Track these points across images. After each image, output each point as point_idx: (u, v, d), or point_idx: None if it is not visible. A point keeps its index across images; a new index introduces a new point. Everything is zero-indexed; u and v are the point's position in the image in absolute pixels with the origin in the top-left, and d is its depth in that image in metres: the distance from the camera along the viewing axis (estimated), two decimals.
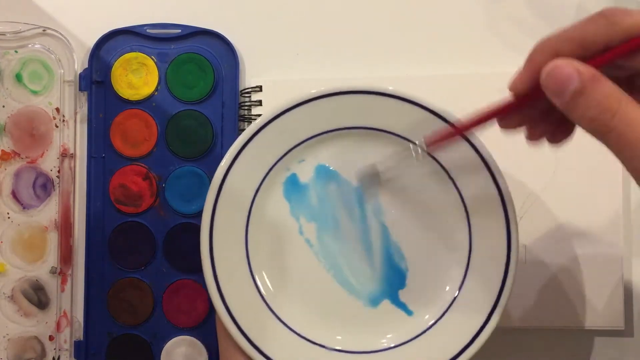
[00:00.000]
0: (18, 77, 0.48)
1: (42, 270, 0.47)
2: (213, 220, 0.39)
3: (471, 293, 0.39)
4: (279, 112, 0.39)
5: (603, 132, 0.26)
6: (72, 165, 0.48)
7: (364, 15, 0.47)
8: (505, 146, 0.44)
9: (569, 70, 0.27)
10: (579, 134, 0.43)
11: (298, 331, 0.40)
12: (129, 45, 0.47)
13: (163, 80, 0.47)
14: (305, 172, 0.41)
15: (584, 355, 0.45)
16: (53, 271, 0.47)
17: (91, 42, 0.47)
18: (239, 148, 0.39)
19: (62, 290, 0.47)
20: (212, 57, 0.47)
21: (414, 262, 0.40)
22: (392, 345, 0.39)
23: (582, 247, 0.43)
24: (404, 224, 0.40)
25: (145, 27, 0.47)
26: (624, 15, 0.26)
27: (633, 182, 0.44)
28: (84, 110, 0.48)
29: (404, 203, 0.40)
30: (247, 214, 0.40)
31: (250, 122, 0.47)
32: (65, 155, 0.47)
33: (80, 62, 0.48)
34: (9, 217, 0.47)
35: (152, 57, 0.47)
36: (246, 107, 0.47)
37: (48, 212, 0.47)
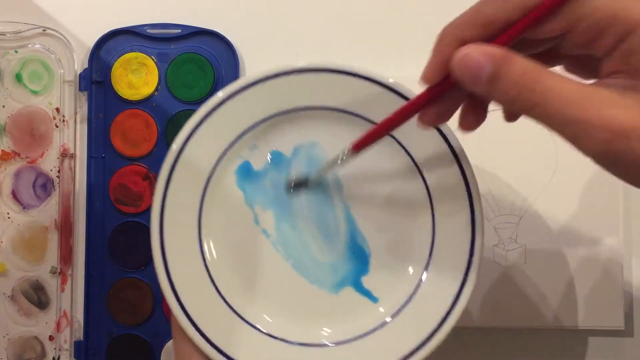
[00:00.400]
0: (18, 77, 0.48)
1: (42, 270, 0.47)
2: (163, 215, 0.36)
3: (437, 274, 0.37)
4: (224, 97, 0.37)
5: (528, 109, 0.26)
6: (72, 165, 0.48)
7: (364, 16, 0.47)
8: (506, 146, 0.44)
9: (478, 56, 0.26)
10: None
11: (261, 328, 0.38)
12: (129, 45, 0.47)
13: (163, 80, 0.47)
14: (259, 159, 0.38)
15: (584, 355, 0.45)
16: (53, 271, 0.47)
17: (91, 42, 0.47)
18: (184, 139, 0.37)
19: (62, 290, 0.47)
20: (212, 57, 0.47)
21: (376, 247, 0.38)
22: (359, 334, 0.37)
23: (582, 247, 0.43)
24: (366, 209, 0.38)
25: (145, 27, 0.47)
26: None
27: None
28: (84, 110, 0.48)
29: (365, 187, 0.38)
30: (199, 206, 0.38)
31: None
32: (65, 155, 0.47)
33: (80, 62, 0.48)
34: (9, 217, 0.47)
35: (152, 57, 0.47)
36: None
37: (48, 212, 0.47)
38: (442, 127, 0.36)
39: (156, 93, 0.47)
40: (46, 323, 0.47)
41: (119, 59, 0.47)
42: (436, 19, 0.46)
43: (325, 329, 0.38)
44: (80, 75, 0.47)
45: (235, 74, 0.46)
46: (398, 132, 0.36)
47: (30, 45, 0.48)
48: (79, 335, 0.47)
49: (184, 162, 0.37)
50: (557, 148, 0.44)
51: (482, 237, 0.36)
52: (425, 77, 0.29)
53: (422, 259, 0.37)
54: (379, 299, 0.38)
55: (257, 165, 0.38)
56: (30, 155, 0.48)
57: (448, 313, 0.36)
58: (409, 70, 0.46)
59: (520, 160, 0.44)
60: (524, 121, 0.44)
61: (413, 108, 0.31)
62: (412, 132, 0.35)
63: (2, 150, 0.48)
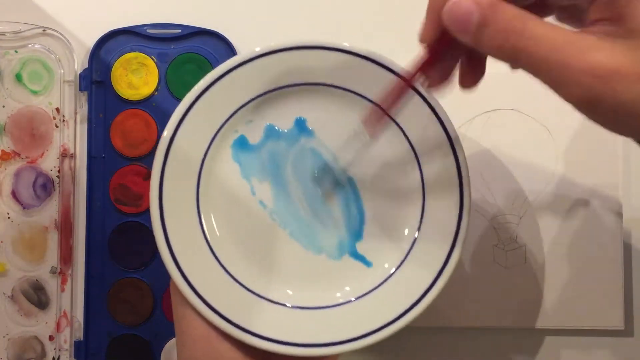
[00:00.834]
0: (18, 77, 0.48)
1: (42, 270, 0.47)
2: (162, 189, 0.37)
3: (429, 236, 0.38)
4: (221, 73, 0.38)
5: (515, 56, 0.26)
6: (72, 165, 0.48)
7: (365, 16, 0.47)
8: (506, 146, 0.44)
9: (467, 4, 0.26)
10: (579, 134, 0.43)
11: (253, 289, 0.39)
12: (129, 45, 0.47)
13: (163, 80, 0.47)
14: (254, 133, 0.40)
15: (584, 355, 0.45)
16: (53, 271, 0.47)
17: (91, 42, 0.47)
18: (181, 114, 0.38)
19: (62, 290, 0.47)
20: (212, 57, 0.47)
21: (371, 213, 0.39)
22: (352, 298, 0.38)
23: (582, 247, 0.43)
24: (363, 176, 0.39)
25: (145, 27, 0.47)
26: None
27: (633, 182, 0.44)
28: (84, 110, 0.48)
29: (363, 164, 0.39)
30: (196, 179, 0.39)
31: None
32: (65, 155, 0.47)
33: (80, 62, 0.48)
34: (9, 217, 0.47)
35: (152, 57, 0.47)
36: None
37: (48, 212, 0.47)
38: (440, 114, 0.37)
39: (156, 93, 0.47)
40: (46, 323, 0.47)
41: (119, 59, 0.47)
42: None
43: (315, 293, 0.39)
44: (80, 75, 0.48)
45: None
46: (398, 115, 0.38)
47: (30, 45, 0.48)
48: (79, 335, 0.47)
49: (180, 139, 0.38)
50: (557, 148, 0.44)
51: (468, 217, 0.37)
52: (422, 37, 0.30)
53: (415, 222, 0.39)
54: (373, 263, 0.39)
55: (253, 138, 0.40)
56: (30, 155, 0.48)
57: (440, 272, 0.37)
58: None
59: (520, 160, 0.44)
60: (524, 121, 0.44)
61: (415, 73, 0.31)
62: (411, 116, 0.37)
63: (2, 150, 0.48)
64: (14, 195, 0.48)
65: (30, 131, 0.48)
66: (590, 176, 0.43)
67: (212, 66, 0.46)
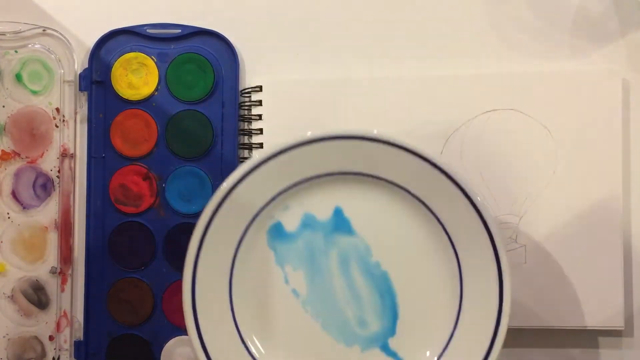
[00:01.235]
0: (18, 77, 0.48)
1: (42, 270, 0.47)
2: (195, 275, 0.38)
3: (463, 339, 0.38)
4: (261, 160, 0.38)
5: None
6: (72, 165, 0.48)
7: (365, 16, 0.47)
8: (506, 146, 0.44)
9: None
10: (579, 134, 0.43)
11: None
12: (129, 45, 0.47)
13: (163, 80, 0.47)
14: (291, 220, 0.40)
15: (584, 355, 0.45)
16: (53, 271, 0.47)
17: (91, 42, 0.47)
18: (220, 200, 0.38)
19: (62, 290, 0.47)
20: (212, 57, 0.47)
21: (405, 310, 0.39)
22: None
23: (582, 247, 0.43)
24: (398, 271, 0.40)
25: (145, 27, 0.47)
26: None
27: (633, 182, 0.44)
28: (84, 110, 0.48)
29: (396, 250, 0.40)
30: (230, 264, 0.39)
31: (250, 122, 0.47)
32: (65, 155, 0.47)
33: (80, 62, 0.48)
34: (9, 217, 0.47)
35: (152, 57, 0.47)
36: (246, 107, 0.47)
37: (48, 212, 0.47)
38: (476, 201, 0.37)
39: (156, 93, 0.47)
40: (46, 323, 0.47)
41: (119, 59, 0.47)
42: (438, 20, 0.46)
43: None
44: (80, 75, 0.48)
45: (235, 74, 0.46)
46: (431, 201, 0.38)
47: (30, 45, 0.48)
48: (79, 335, 0.47)
49: (217, 223, 0.38)
50: (557, 148, 0.44)
51: (510, 303, 0.37)
52: None
53: (450, 322, 0.39)
54: None
55: (289, 225, 0.40)
56: (30, 155, 0.48)
57: None
58: (410, 70, 0.46)
59: (520, 160, 0.44)
60: (524, 121, 0.44)
61: None
62: (445, 201, 0.37)
63: (2, 150, 0.48)
64: (14, 195, 0.48)
65: (30, 131, 0.48)
66: (590, 176, 0.43)
67: (212, 66, 0.46)
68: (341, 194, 0.40)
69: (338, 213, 0.40)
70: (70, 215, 0.47)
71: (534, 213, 0.44)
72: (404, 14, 0.47)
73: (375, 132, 0.38)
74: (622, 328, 0.43)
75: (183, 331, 0.46)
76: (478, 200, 0.37)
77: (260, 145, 0.46)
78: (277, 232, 0.40)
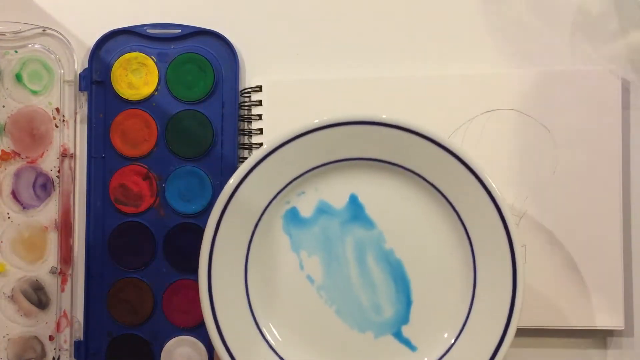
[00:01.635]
0: (18, 77, 0.48)
1: (42, 270, 0.47)
2: (211, 262, 0.38)
3: (476, 328, 0.38)
4: (277, 144, 0.38)
5: None
6: (72, 165, 0.48)
7: (365, 15, 0.47)
8: (506, 146, 0.44)
9: None
10: (579, 134, 0.43)
11: None
12: (129, 45, 0.47)
13: (163, 80, 0.47)
14: (306, 206, 0.40)
15: (584, 355, 0.45)
16: (53, 271, 0.47)
17: (91, 42, 0.47)
18: (235, 185, 0.38)
19: (62, 290, 0.47)
20: (212, 57, 0.47)
21: (418, 297, 0.40)
22: None
23: (582, 247, 0.43)
24: (412, 258, 0.40)
25: (145, 27, 0.47)
26: None
27: (633, 181, 0.44)
28: (84, 110, 0.48)
29: (410, 237, 0.40)
30: (245, 252, 0.40)
31: (250, 122, 0.47)
32: (65, 155, 0.47)
33: (80, 62, 0.48)
34: (9, 217, 0.47)
35: (152, 57, 0.47)
36: (246, 107, 0.47)
37: (48, 212, 0.47)
38: (490, 187, 0.37)
39: (156, 93, 0.47)
40: (46, 323, 0.47)
41: (119, 59, 0.47)
42: (438, 20, 0.46)
43: None
44: (80, 75, 0.47)
45: (235, 74, 0.46)
46: (445, 187, 0.38)
47: (30, 45, 0.48)
48: (79, 335, 0.47)
49: (233, 209, 0.38)
50: (557, 148, 0.44)
51: (523, 297, 0.37)
52: None
53: (463, 311, 0.39)
54: (418, 348, 0.39)
55: (305, 211, 0.40)
56: (30, 155, 0.48)
57: None
58: (410, 70, 0.46)
59: (520, 160, 0.44)
60: (524, 121, 0.44)
61: None
62: (458, 188, 0.38)
63: (2, 150, 0.48)
64: (14, 195, 0.48)
65: (30, 131, 0.48)
66: (590, 176, 0.43)
67: (212, 66, 0.46)
68: (356, 181, 0.40)
69: (354, 200, 0.40)
70: (70, 215, 0.47)
71: (534, 213, 0.44)
72: (404, 14, 0.47)
73: (384, 116, 0.38)
74: (622, 328, 0.43)
75: (183, 331, 0.46)
76: (493, 186, 0.37)
77: (260, 145, 0.46)
78: (293, 217, 0.40)
